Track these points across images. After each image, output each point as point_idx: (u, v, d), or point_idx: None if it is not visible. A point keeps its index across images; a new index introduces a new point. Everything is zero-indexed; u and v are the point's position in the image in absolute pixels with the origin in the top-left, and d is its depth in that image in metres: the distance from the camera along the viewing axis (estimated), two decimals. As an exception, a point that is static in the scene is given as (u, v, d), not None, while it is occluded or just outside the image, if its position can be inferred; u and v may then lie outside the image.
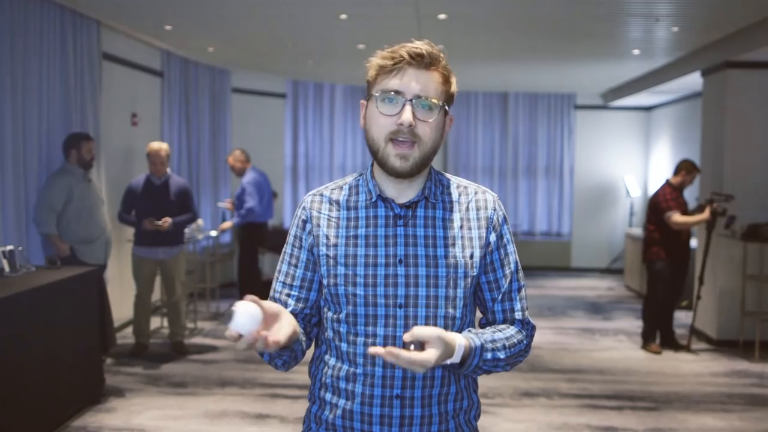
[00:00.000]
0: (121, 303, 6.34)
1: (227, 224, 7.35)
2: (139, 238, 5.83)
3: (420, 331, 1.39)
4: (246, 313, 1.31)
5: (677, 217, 6.02)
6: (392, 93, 1.49)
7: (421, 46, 1.51)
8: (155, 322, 6.78)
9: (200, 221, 6.92)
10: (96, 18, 5.86)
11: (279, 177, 9.53)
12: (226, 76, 8.70)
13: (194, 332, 6.72)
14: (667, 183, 6.25)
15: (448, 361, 1.44)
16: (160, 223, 5.65)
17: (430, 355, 1.37)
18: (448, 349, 1.41)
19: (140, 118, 6.95)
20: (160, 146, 5.81)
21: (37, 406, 3.97)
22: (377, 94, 1.51)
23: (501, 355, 1.54)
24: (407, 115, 1.48)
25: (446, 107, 1.55)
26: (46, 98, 5.25)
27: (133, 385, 5.13)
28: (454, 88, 1.57)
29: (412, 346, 1.39)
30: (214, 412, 4.63)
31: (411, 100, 1.49)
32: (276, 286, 1.63)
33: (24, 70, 4.99)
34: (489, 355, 1.51)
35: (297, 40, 6.94)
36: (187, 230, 6.32)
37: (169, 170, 5.93)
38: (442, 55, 1.54)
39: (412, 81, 1.49)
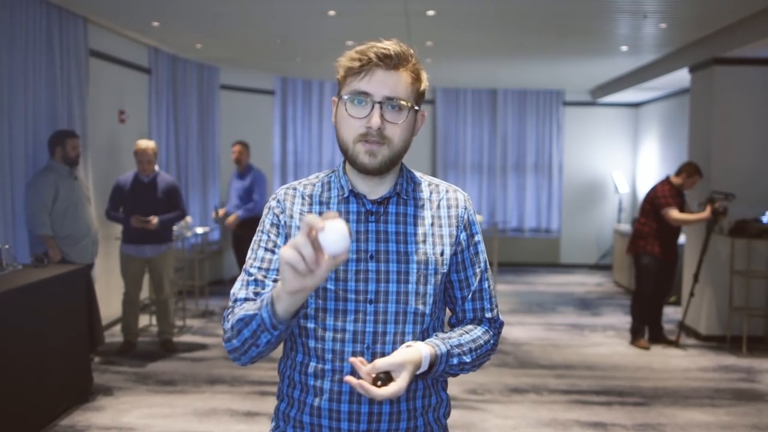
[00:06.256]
0: (109, 301, 6.31)
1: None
2: (127, 236, 5.80)
3: (381, 363, 1.41)
4: (336, 230, 1.19)
5: (676, 214, 6.02)
6: (360, 95, 1.49)
7: (389, 46, 1.50)
8: (143, 320, 6.76)
9: (189, 218, 6.90)
10: (83, 15, 5.82)
11: (268, 174, 9.47)
12: (215, 73, 8.66)
13: (183, 330, 6.69)
14: (668, 180, 6.24)
15: (416, 372, 1.47)
16: (148, 219, 5.62)
17: (399, 385, 1.40)
18: (414, 367, 1.44)
19: (128, 115, 6.91)
20: (148, 144, 5.78)
21: (25, 405, 3.94)
22: (346, 97, 1.51)
23: (467, 358, 1.56)
24: (376, 119, 1.47)
25: (417, 107, 1.55)
26: (33, 96, 5.20)
27: (121, 383, 5.11)
28: (424, 85, 1.56)
29: (379, 382, 1.40)
30: (203, 410, 4.62)
31: (380, 103, 1.48)
32: (251, 270, 1.55)
33: (10, 67, 4.95)
34: (455, 360, 1.54)
35: (285, 37, 6.92)
36: (175, 228, 6.29)
37: (157, 167, 5.90)
38: (411, 52, 1.53)
39: (380, 83, 1.48)
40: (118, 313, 6.22)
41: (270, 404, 4.71)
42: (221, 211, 7.66)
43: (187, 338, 6.43)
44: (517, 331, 6.78)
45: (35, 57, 5.21)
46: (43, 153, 5.26)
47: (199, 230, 7.32)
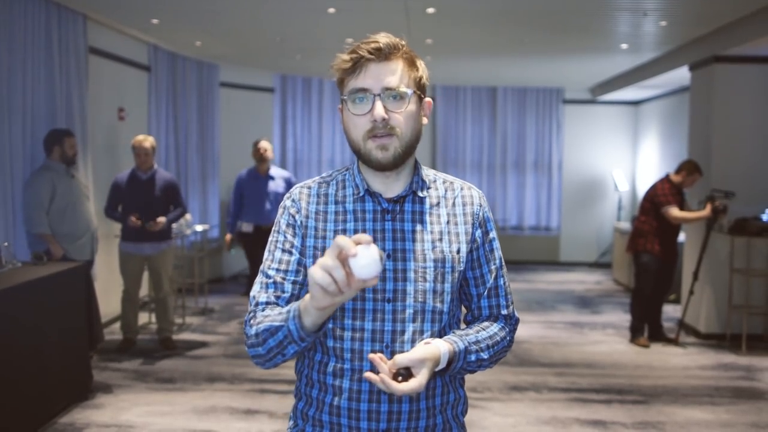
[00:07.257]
0: (109, 299, 6.31)
1: None
2: (126, 234, 5.79)
3: (401, 359, 1.42)
4: (368, 255, 1.21)
5: (676, 212, 6.02)
6: (359, 92, 1.50)
7: (378, 38, 1.51)
8: (143, 317, 6.76)
9: (188, 216, 6.89)
10: (82, 12, 5.81)
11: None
12: (214, 71, 8.65)
13: (182, 328, 6.69)
14: (667, 178, 6.23)
15: (435, 369, 1.48)
16: (156, 221, 5.63)
17: (420, 380, 1.42)
18: (433, 363, 1.45)
19: (127, 112, 6.90)
20: (145, 138, 5.76)
21: (24, 402, 3.94)
22: (346, 97, 1.52)
23: (484, 355, 1.57)
24: (379, 111, 1.48)
25: (419, 93, 1.55)
26: (32, 93, 5.19)
27: (120, 381, 5.11)
28: (422, 71, 1.57)
29: (400, 377, 1.41)
30: (203, 407, 4.62)
31: (379, 95, 1.49)
32: (269, 272, 1.55)
33: (9, 65, 4.94)
34: (473, 357, 1.55)
35: (285, 35, 6.92)
36: (175, 225, 6.28)
37: (156, 165, 5.89)
38: (402, 42, 1.54)
39: (375, 76, 1.49)
40: (118, 311, 6.21)
41: (270, 402, 4.71)
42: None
43: (186, 336, 6.42)
44: (517, 328, 6.77)
45: (34, 54, 5.20)
46: (42, 151, 5.24)
47: (199, 228, 7.31)
